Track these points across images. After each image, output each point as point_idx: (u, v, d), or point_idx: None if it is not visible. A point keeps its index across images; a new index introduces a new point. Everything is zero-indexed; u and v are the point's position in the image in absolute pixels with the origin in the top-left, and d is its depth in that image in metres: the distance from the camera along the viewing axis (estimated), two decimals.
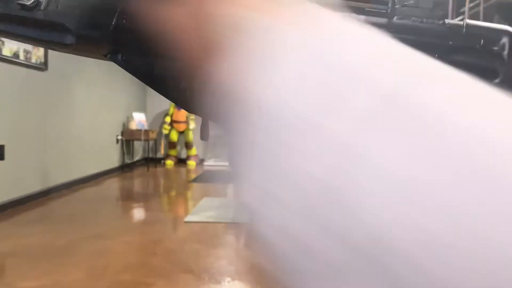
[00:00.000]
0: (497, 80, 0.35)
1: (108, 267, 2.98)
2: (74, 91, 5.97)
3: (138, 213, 4.90)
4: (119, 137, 7.83)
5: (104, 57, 0.38)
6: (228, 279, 2.84)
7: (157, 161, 8.94)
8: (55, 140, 5.40)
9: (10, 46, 4.44)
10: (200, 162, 9.26)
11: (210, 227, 3.97)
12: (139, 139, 8.06)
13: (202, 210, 4.67)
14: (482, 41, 0.35)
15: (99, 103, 6.87)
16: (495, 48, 0.35)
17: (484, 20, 4.38)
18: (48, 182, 5.26)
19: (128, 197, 5.92)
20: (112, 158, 7.50)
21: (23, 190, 4.74)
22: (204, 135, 0.39)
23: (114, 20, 0.36)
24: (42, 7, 0.37)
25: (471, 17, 4.55)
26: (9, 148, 4.46)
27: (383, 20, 0.36)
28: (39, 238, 3.56)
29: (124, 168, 7.87)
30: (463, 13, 4.69)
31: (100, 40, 0.37)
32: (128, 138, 8.02)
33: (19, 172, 4.67)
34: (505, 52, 0.35)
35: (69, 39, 0.37)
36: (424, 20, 0.35)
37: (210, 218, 4.22)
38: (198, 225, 4.03)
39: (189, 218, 4.31)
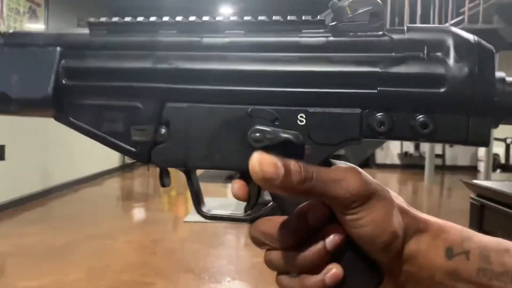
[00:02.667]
0: (443, 89, 0.32)
1: (108, 267, 2.99)
2: None
3: (138, 213, 4.90)
4: None
5: (52, 118, 0.39)
6: (228, 279, 2.84)
7: None
8: (55, 140, 5.40)
9: None
10: None
11: (210, 227, 3.97)
12: None
13: None
14: (425, 48, 0.33)
15: None
16: (439, 54, 0.33)
17: (484, 20, 4.38)
18: (49, 182, 5.26)
19: (128, 197, 5.93)
20: (112, 158, 7.50)
21: (24, 190, 4.74)
22: (164, 182, 0.40)
23: (52, 82, 0.37)
24: None
25: (470, 18, 4.55)
26: (9, 148, 4.46)
27: (321, 41, 0.34)
28: (39, 238, 3.57)
29: (125, 168, 7.87)
30: (462, 13, 4.69)
31: (41, 103, 0.37)
32: None
33: (20, 172, 4.67)
34: (449, 56, 0.33)
35: (13, 107, 0.38)
36: (363, 34, 0.34)
37: None
38: (198, 225, 4.03)
39: (189, 218, 4.31)
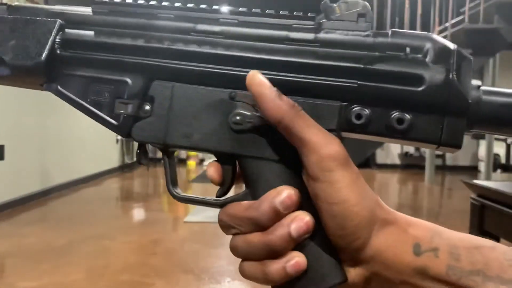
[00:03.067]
0: (421, 88, 0.34)
1: (108, 267, 2.99)
2: None
3: (138, 213, 4.90)
4: (119, 137, 7.83)
5: (41, 87, 0.40)
6: (228, 279, 2.84)
7: (157, 161, 8.93)
8: (55, 140, 5.40)
9: None
10: (200, 162, 9.26)
11: (210, 227, 3.97)
12: None
13: (202, 210, 4.66)
14: (407, 49, 0.35)
15: None
16: (419, 55, 0.35)
17: (484, 19, 4.38)
18: (48, 182, 5.26)
19: (128, 197, 5.92)
20: (112, 158, 7.50)
21: (23, 190, 4.74)
22: (141, 159, 0.41)
23: (47, 50, 0.39)
24: None
25: (471, 17, 4.54)
26: (9, 148, 4.46)
27: (310, 36, 0.36)
28: (39, 238, 3.56)
29: (124, 168, 7.87)
30: (463, 13, 4.69)
31: (34, 69, 0.39)
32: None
33: (19, 172, 4.67)
34: (429, 59, 0.35)
35: (6, 71, 0.39)
36: (350, 32, 0.36)
37: (210, 218, 4.22)
38: (198, 225, 4.02)
39: (189, 218, 4.31)
